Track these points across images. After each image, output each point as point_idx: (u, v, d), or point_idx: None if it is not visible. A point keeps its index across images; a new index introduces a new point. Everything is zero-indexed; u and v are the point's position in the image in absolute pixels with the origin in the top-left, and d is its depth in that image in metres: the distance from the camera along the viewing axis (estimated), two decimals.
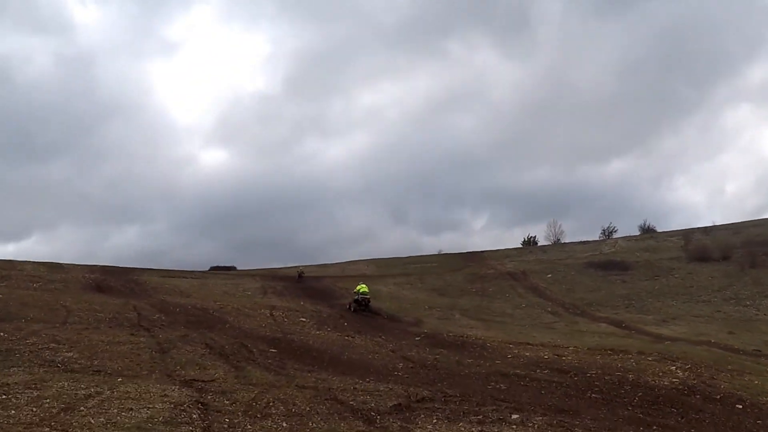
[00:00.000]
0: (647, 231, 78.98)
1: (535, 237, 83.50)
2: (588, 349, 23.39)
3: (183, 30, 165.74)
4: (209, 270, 66.71)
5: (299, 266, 59.31)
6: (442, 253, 79.47)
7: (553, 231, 79.35)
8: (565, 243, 78.45)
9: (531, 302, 45.03)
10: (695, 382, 17.29)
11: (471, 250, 79.22)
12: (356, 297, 34.28)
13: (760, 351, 25.45)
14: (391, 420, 10.63)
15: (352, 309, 33.61)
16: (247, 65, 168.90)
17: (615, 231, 79.46)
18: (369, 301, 34.16)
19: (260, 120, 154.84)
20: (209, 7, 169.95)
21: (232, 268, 70.04)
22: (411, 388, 13.90)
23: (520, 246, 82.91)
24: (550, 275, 55.42)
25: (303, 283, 48.37)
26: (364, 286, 35.46)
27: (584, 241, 78.57)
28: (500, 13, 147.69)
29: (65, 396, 10.55)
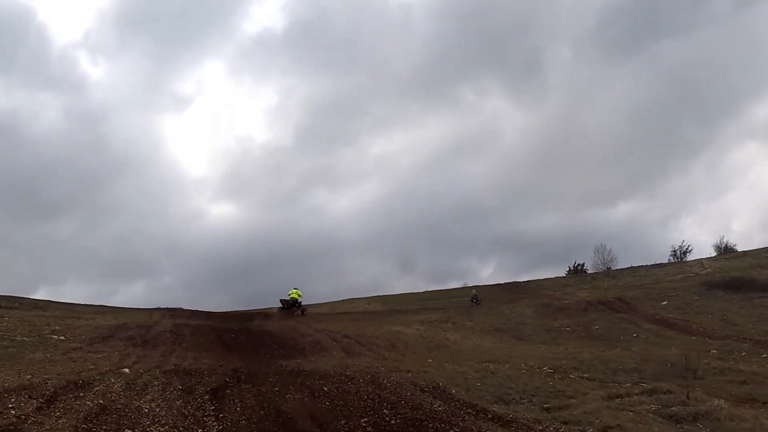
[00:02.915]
0: (728, 250, 63.49)
1: (583, 264, 66.65)
2: None
3: (194, 84, 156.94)
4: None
5: (471, 288, 49.98)
6: (469, 286, 58.63)
7: (601, 258, 64.25)
8: (636, 267, 60.12)
9: (687, 342, 24.86)
10: None
11: (506, 281, 59.75)
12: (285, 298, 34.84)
13: None
14: None
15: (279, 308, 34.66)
16: (256, 117, 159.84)
17: (690, 251, 63.03)
18: (296, 302, 34.69)
19: (269, 172, 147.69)
20: (220, 61, 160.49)
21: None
22: None
23: (568, 275, 65.24)
24: (665, 302, 36.59)
25: (473, 306, 40.11)
26: (295, 291, 35.36)
27: (659, 264, 60.15)
28: (512, 59, 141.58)
29: None
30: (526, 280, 60.17)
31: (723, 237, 66.21)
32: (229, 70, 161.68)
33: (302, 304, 35.85)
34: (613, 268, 62.44)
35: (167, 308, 33.70)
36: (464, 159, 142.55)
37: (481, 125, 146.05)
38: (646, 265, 58.94)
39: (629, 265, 60.58)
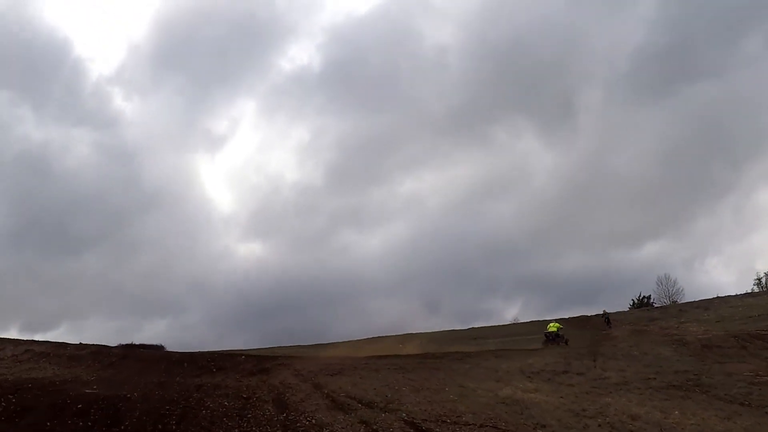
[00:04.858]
0: None
1: (649, 297, 57.55)
2: None
3: (227, 122, 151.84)
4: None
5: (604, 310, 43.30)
6: (519, 322, 48.99)
7: (666, 290, 57.08)
8: (722, 297, 48.56)
9: None
10: None
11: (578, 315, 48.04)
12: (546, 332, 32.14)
13: None
14: None
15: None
16: (288, 156, 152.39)
17: None
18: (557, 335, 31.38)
19: (298, 211, 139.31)
20: (254, 100, 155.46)
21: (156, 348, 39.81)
22: None
23: (635, 308, 54.62)
24: None
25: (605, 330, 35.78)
26: (554, 324, 33.13)
27: (751, 293, 49.10)
28: (544, 101, 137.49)
29: None
30: (594, 314, 49.23)
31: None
32: (262, 109, 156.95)
33: (563, 335, 32.26)
34: (679, 300, 53.40)
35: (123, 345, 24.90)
36: (493, 199, 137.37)
37: (511, 166, 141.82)
38: (738, 295, 48.23)
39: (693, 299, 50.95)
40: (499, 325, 49.20)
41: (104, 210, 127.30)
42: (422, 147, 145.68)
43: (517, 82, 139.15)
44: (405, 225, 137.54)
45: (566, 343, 30.18)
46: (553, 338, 31.21)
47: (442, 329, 48.82)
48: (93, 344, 25.91)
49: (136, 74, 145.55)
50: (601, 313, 42.70)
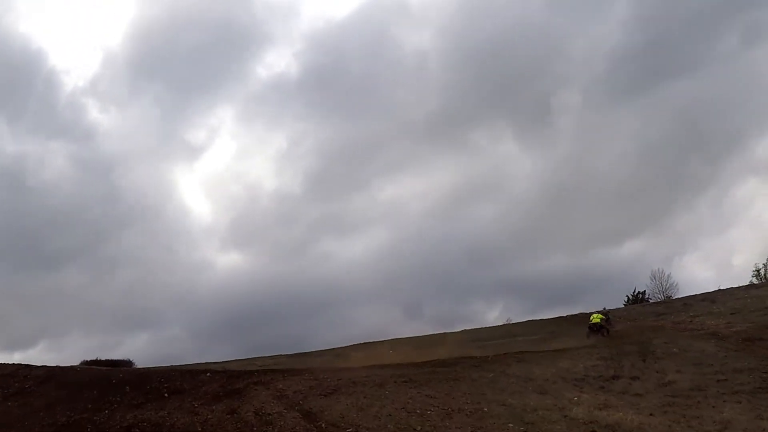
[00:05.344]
0: None
1: (644, 292, 54.33)
2: None
3: (205, 132, 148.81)
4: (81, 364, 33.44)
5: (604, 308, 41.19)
6: (513, 323, 46.42)
7: (660, 284, 53.87)
8: (724, 289, 45.06)
9: None
10: None
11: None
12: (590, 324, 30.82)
13: None
14: None
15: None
16: (267, 164, 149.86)
17: None
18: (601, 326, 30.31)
19: (278, 220, 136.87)
20: (232, 108, 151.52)
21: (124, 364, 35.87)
22: None
23: (629, 305, 50.92)
24: None
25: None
26: (597, 315, 31.58)
27: (755, 285, 46.13)
28: (523, 105, 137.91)
29: None
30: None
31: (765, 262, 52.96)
32: (240, 117, 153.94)
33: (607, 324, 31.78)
34: (674, 296, 50.29)
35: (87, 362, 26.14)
36: (473, 203, 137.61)
37: (491, 169, 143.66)
38: (740, 287, 45.57)
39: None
40: (492, 327, 45.74)
41: (82, 224, 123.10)
42: (402, 152, 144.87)
43: (496, 86, 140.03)
44: (386, 231, 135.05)
45: (608, 333, 29.67)
46: (597, 329, 30.18)
47: (426, 332, 45.55)
48: (22, 364, 21.34)
49: (111, 85, 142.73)
50: (601, 310, 39.15)
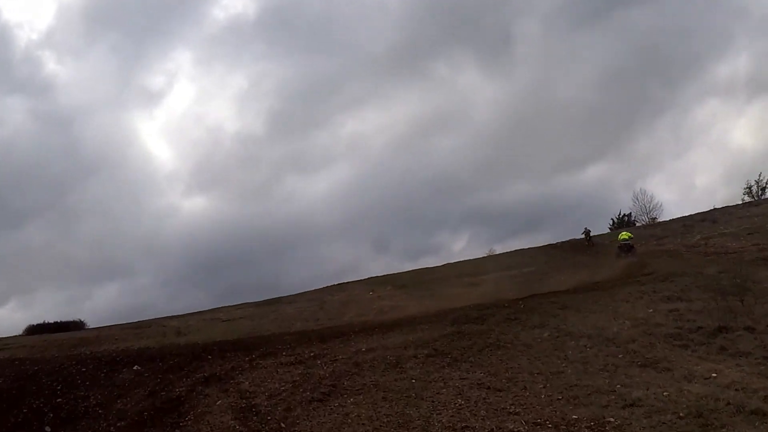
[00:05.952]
0: None
1: (629, 214, 52.39)
2: None
3: (164, 77, 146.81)
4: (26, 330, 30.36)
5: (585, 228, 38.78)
6: (497, 253, 42.34)
7: (643, 206, 51.17)
8: (719, 208, 43.61)
9: None
10: None
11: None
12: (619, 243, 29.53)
13: None
14: None
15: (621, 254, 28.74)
16: (227, 106, 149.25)
17: None
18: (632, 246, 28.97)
19: (241, 162, 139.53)
20: (189, 52, 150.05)
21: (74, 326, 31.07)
22: None
23: (615, 228, 49.60)
24: None
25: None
26: (626, 233, 31.52)
27: (749, 203, 43.77)
28: (484, 34, 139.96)
29: None
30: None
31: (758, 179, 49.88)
32: (199, 60, 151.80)
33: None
34: (659, 217, 49.07)
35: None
36: (436, 134, 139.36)
37: (453, 100, 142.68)
38: (736, 205, 42.55)
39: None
40: (479, 258, 41.57)
41: (45, 179, 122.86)
42: (363, 87, 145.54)
43: (456, 17, 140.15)
44: (349, 167, 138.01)
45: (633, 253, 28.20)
46: (628, 249, 28.89)
47: (402, 269, 41.02)
48: None
49: (67, 35, 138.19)
50: (582, 231, 39.19)
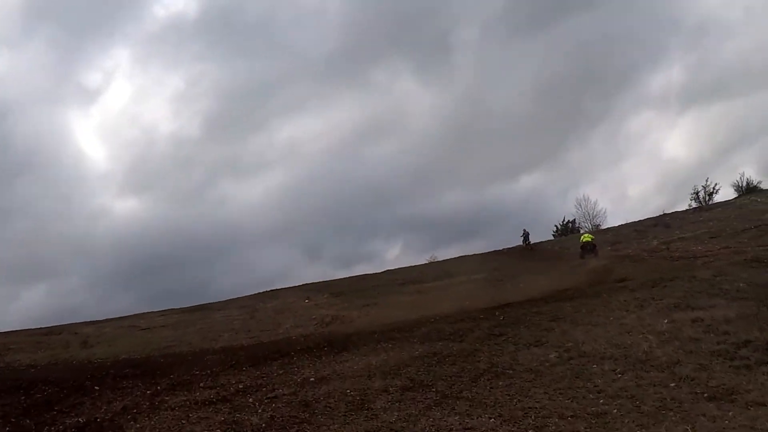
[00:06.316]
0: (751, 189, 46.09)
1: (573, 221, 50.78)
2: None
3: (100, 75, 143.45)
4: None
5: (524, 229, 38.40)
6: (438, 260, 40.71)
7: (586, 212, 50.11)
8: (669, 213, 43.35)
9: None
10: None
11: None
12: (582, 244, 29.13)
13: None
14: None
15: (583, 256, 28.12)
16: (164, 106, 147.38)
17: (717, 191, 45.62)
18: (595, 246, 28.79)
19: (175, 164, 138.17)
20: (128, 49, 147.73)
21: None
22: None
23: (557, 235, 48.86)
24: None
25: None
26: (588, 235, 31.80)
27: (699, 208, 41.98)
28: (422, 42, 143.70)
29: None
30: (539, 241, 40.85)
31: (743, 173, 50.80)
32: (137, 58, 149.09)
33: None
34: (602, 224, 47.99)
35: None
36: (372, 141, 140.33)
37: (390, 107, 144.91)
38: (685, 210, 41.61)
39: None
40: (422, 265, 38.78)
41: None
42: (301, 92, 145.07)
43: (395, 24, 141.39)
44: (285, 172, 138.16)
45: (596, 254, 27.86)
46: (591, 249, 28.60)
47: (335, 277, 37.82)
48: None
49: (3, 27, 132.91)
50: (521, 233, 38.89)
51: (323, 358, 10.10)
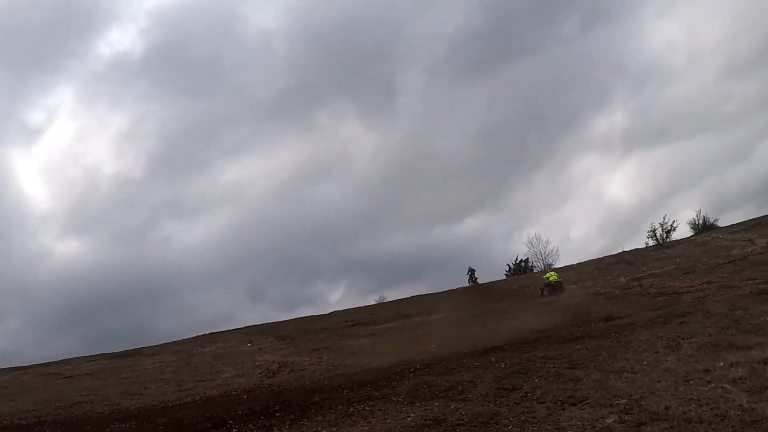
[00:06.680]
0: (708, 227, 45.54)
1: (526, 260, 49.07)
2: None
3: (43, 113, 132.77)
4: None
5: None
6: (392, 300, 37.77)
7: (538, 251, 48.60)
8: (629, 250, 41.89)
9: None
10: None
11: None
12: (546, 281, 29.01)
13: None
14: None
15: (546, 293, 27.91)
16: (107, 147, 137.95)
17: (675, 228, 44.50)
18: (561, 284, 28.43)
19: (117, 205, 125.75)
20: (72, 87, 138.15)
21: None
22: None
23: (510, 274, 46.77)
24: None
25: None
26: (553, 273, 30.87)
27: (659, 245, 40.70)
28: (368, 85, 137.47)
29: None
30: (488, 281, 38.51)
31: (700, 211, 50.74)
32: (81, 97, 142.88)
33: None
34: (554, 263, 45.75)
35: None
36: (317, 183, 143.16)
37: (334, 150, 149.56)
38: (649, 247, 40.22)
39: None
40: (372, 305, 35.71)
41: None
42: (246, 133, 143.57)
43: (341, 67, 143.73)
44: (228, 213, 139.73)
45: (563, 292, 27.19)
46: (557, 287, 27.85)
47: (278, 319, 34.36)
48: None
49: None
50: (467, 270, 38.59)
51: (275, 430, 6.94)
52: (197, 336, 27.72)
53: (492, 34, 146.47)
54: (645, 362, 9.48)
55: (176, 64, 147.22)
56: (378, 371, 10.86)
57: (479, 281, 37.78)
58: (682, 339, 11.19)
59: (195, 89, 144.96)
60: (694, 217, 46.70)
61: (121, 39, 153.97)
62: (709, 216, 46.68)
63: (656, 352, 10.23)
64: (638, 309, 18.34)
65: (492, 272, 75.43)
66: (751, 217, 42.81)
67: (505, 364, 10.04)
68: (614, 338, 12.03)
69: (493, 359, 10.64)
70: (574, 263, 40.82)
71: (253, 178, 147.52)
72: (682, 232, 45.91)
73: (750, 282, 20.11)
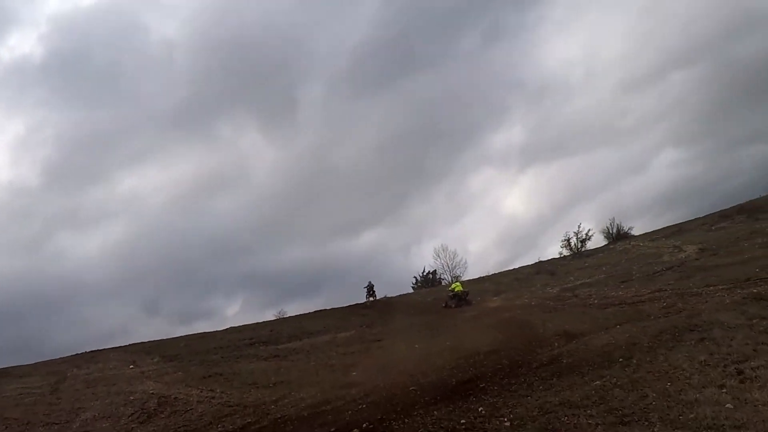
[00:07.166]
0: (621, 236, 44.32)
1: (434, 272, 46.94)
2: None
3: None
4: None
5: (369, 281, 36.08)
6: (293, 315, 34.80)
7: (446, 262, 46.55)
8: (555, 258, 40.17)
9: None
10: None
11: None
12: (451, 293, 28.33)
13: None
14: None
15: (451, 305, 27.37)
16: (2, 153, 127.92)
17: (590, 237, 43.22)
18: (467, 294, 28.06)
19: (11, 215, 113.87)
20: None
21: None
22: None
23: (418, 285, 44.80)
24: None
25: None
26: (458, 284, 29.56)
27: (577, 254, 39.28)
28: (268, 97, 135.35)
29: None
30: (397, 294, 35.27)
31: (614, 219, 49.72)
32: None
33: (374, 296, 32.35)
34: (463, 275, 43.18)
35: None
36: (215, 195, 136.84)
37: (234, 161, 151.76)
38: (566, 256, 38.19)
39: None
40: (273, 321, 31.22)
41: None
42: (145, 143, 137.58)
43: (241, 79, 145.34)
44: (124, 224, 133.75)
45: (469, 304, 26.63)
46: (462, 298, 27.36)
47: (174, 334, 29.72)
48: None
49: None
50: (365, 285, 35.41)
51: None
52: (76, 354, 24.03)
53: (392, 49, 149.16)
54: (719, 398, 6.07)
55: (76, 72, 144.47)
56: (287, 422, 6.94)
57: (377, 295, 34.21)
58: (721, 356, 8.02)
59: (94, 97, 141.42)
60: (608, 225, 45.94)
61: (21, 43, 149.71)
62: (623, 224, 46.13)
63: (722, 387, 6.89)
64: (595, 323, 15.45)
65: (392, 286, 74.45)
66: (660, 227, 42.46)
67: (483, 408, 6.33)
68: (632, 365, 8.70)
69: (472, 398, 6.91)
70: (491, 273, 38.66)
71: (152, 188, 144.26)
72: (597, 241, 44.99)
73: (711, 288, 17.75)
